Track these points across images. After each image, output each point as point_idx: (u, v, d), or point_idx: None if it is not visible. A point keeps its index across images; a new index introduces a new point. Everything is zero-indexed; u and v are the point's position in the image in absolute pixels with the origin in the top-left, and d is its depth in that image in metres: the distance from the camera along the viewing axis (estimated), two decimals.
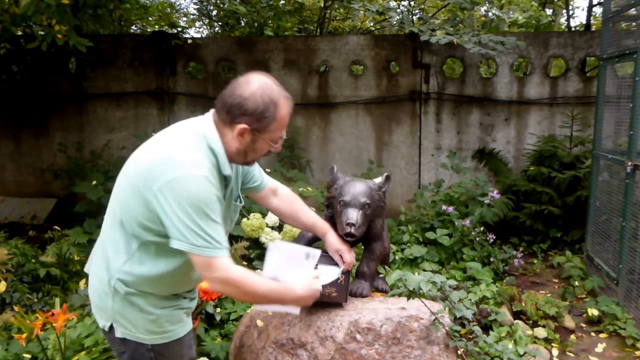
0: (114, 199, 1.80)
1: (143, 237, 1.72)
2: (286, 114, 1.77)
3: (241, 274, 1.73)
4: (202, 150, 1.71)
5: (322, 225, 2.22)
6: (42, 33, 4.87)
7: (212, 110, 1.82)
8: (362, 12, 8.36)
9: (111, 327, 1.82)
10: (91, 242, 4.32)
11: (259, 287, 1.78)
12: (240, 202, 1.97)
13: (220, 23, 9.23)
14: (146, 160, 1.70)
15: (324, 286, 2.16)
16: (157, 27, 8.41)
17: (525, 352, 3.28)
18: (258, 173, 2.09)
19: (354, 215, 2.18)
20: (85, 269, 1.99)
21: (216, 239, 1.66)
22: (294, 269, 1.93)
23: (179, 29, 7.81)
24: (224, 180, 1.80)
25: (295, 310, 1.99)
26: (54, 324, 2.36)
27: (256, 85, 1.73)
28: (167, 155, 1.67)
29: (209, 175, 1.66)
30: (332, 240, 2.20)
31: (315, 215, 2.24)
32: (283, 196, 2.21)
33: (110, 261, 1.79)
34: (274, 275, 1.90)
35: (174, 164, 1.64)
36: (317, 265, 2.13)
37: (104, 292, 1.80)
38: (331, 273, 2.12)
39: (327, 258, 2.19)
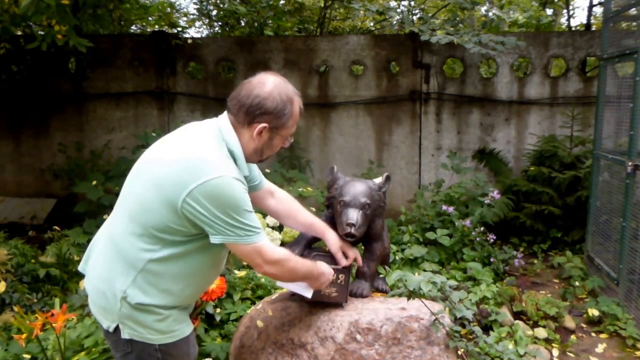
0: (130, 201, 1.78)
1: (169, 238, 1.74)
2: (299, 110, 1.88)
3: (285, 252, 1.88)
4: (224, 152, 1.77)
5: (320, 224, 2.22)
6: (42, 33, 4.87)
7: (225, 113, 1.84)
8: (362, 12, 8.36)
9: (116, 328, 1.81)
10: None
11: (297, 263, 1.91)
12: None
13: (220, 23, 9.22)
14: (170, 164, 1.71)
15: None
16: (157, 27, 8.40)
17: (525, 353, 3.28)
18: (257, 172, 2.11)
19: (354, 215, 2.17)
20: (80, 269, 1.98)
21: (256, 226, 1.76)
22: None
23: (179, 29, 7.81)
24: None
25: (308, 293, 2.10)
26: (53, 325, 2.36)
27: (272, 84, 1.80)
28: (195, 158, 1.69)
29: (237, 175, 1.73)
30: (333, 238, 2.20)
31: (312, 216, 2.25)
32: (280, 198, 2.22)
33: (127, 268, 1.77)
34: None
35: (203, 168, 1.67)
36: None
37: (112, 295, 1.78)
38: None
39: (326, 257, 2.18)
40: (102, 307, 1.83)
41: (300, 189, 4.82)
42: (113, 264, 1.80)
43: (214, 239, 1.72)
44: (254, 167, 2.07)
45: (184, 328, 1.89)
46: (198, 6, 9.10)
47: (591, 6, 7.53)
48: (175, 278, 1.79)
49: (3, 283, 3.05)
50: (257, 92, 1.78)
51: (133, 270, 1.76)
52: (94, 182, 5.05)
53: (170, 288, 1.80)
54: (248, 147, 1.83)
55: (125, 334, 1.80)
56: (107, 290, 1.80)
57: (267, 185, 2.19)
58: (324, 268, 2.05)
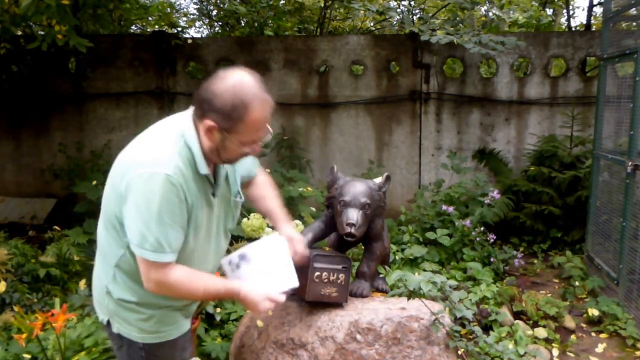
0: (103, 199, 1.81)
1: (125, 239, 1.72)
2: (260, 118, 1.65)
3: (178, 279, 1.70)
4: (177, 148, 1.67)
5: (275, 214, 2.12)
6: (42, 33, 4.87)
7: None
8: (362, 12, 8.36)
9: (109, 322, 1.87)
10: (91, 242, 4.32)
11: (198, 289, 1.76)
12: (240, 197, 1.94)
13: (220, 23, 9.23)
14: (123, 161, 1.72)
15: (324, 286, 2.16)
16: (157, 27, 8.41)
17: (525, 353, 3.28)
18: (246, 170, 2.04)
19: (354, 215, 2.18)
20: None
21: (162, 243, 1.64)
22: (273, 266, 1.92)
23: (179, 29, 7.81)
24: (207, 180, 1.75)
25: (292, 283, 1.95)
26: (53, 324, 2.36)
27: (231, 82, 1.63)
28: (137, 155, 1.68)
29: (175, 174, 1.62)
30: (285, 229, 2.09)
31: (275, 205, 2.13)
32: (256, 183, 2.14)
33: (106, 264, 1.82)
34: (243, 254, 1.91)
35: (139, 163, 1.64)
36: (315, 264, 2.13)
37: (101, 290, 1.85)
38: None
39: (327, 257, 2.18)
40: (97, 301, 1.90)
41: (300, 189, 4.82)
42: (100, 260, 1.86)
43: (131, 247, 1.67)
44: (246, 164, 1.98)
45: (172, 331, 1.88)
46: (198, 6, 9.11)
47: (591, 6, 7.54)
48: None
49: (3, 283, 3.05)
50: (213, 87, 1.63)
51: (110, 266, 1.80)
52: (94, 182, 5.04)
53: (143, 293, 1.79)
54: (205, 145, 1.70)
55: (114, 328, 1.85)
56: (97, 285, 1.88)
57: (257, 174, 2.12)
58: (246, 296, 1.80)
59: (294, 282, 1.93)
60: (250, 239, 3.89)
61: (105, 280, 1.82)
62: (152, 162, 1.62)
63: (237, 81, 1.63)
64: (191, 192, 1.68)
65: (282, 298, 1.87)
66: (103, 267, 1.83)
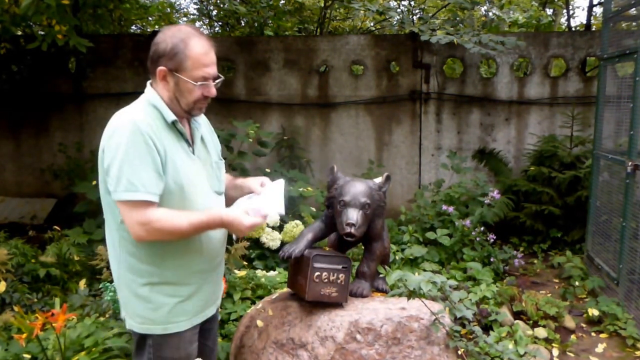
0: (99, 185, 1.88)
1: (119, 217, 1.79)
2: (201, 51, 1.80)
3: (159, 217, 1.75)
4: (142, 108, 1.82)
5: (241, 179, 2.22)
6: (42, 33, 4.87)
7: None
8: (362, 12, 8.36)
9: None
10: (91, 242, 4.32)
11: (182, 223, 1.78)
12: (221, 160, 2.06)
13: (220, 23, 9.23)
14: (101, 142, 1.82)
15: (324, 286, 2.16)
16: (157, 27, 8.41)
17: (525, 352, 3.28)
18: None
19: (354, 215, 2.17)
20: None
21: (134, 182, 1.71)
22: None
23: None
24: (180, 133, 1.85)
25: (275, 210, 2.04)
26: (53, 324, 2.36)
27: (169, 30, 1.83)
28: (109, 127, 1.79)
29: (141, 122, 1.74)
30: (252, 180, 2.17)
31: (235, 177, 2.25)
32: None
33: (115, 251, 1.87)
34: (250, 195, 2.07)
35: (110, 130, 1.77)
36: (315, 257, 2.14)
37: (117, 280, 1.90)
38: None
39: (327, 257, 2.18)
40: (119, 295, 1.95)
41: (300, 189, 4.82)
42: (111, 254, 1.90)
43: (112, 195, 1.75)
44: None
45: (181, 323, 1.91)
46: (198, 6, 9.10)
47: (591, 6, 7.54)
48: (149, 252, 1.81)
49: (3, 283, 3.05)
50: (155, 40, 1.82)
51: (118, 251, 1.85)
52: (94, 182, 5.03)
53: (151, 262, 1.82)
54: (165, 96, 1.85)
55: (127, 324, 1.89)
56: (115, 279, 1.92)
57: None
58: (227, 218, 1.86)
59: (281, 210, 2.04)
60: (250, 239, 3.90)
61: (116, 272, 1.88)
62: (121, 117, 1.79)
63: (173, 28, 1.85)
64: (162, 140, 1.78)
65: (264, 213, 1.95)
66: (114, 258, 1.88)
